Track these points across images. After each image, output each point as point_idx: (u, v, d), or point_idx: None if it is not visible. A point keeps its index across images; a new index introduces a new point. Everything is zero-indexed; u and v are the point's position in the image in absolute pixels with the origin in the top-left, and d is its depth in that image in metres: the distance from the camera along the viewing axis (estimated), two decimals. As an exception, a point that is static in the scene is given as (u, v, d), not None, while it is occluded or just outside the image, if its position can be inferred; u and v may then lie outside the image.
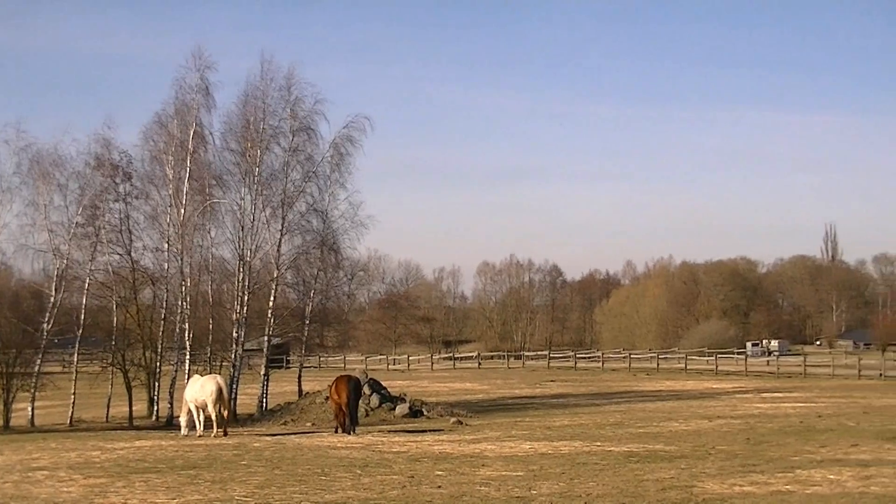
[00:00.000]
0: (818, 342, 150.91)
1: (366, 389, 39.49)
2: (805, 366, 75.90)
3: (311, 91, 46.38)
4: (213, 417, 28.42)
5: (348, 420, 29.48)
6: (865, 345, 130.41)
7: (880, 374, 68.95)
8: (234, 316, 44.91)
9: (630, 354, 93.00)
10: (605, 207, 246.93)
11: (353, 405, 29.87)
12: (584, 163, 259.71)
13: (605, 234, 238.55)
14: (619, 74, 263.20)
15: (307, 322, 48.16)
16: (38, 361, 43.59)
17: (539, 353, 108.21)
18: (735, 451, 21.46)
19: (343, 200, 47.60)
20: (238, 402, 44.57)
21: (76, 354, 45.57)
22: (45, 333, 43.31)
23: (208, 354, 47.00)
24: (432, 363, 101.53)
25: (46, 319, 43.28)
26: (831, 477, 16.62)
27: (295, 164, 46.30)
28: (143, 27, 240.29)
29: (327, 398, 35.66)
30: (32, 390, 43.01)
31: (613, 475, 17.60)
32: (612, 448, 22.68)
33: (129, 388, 46.04)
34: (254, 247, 45.31)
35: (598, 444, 23.93)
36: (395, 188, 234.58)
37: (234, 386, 43.51)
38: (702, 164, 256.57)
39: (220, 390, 28.46)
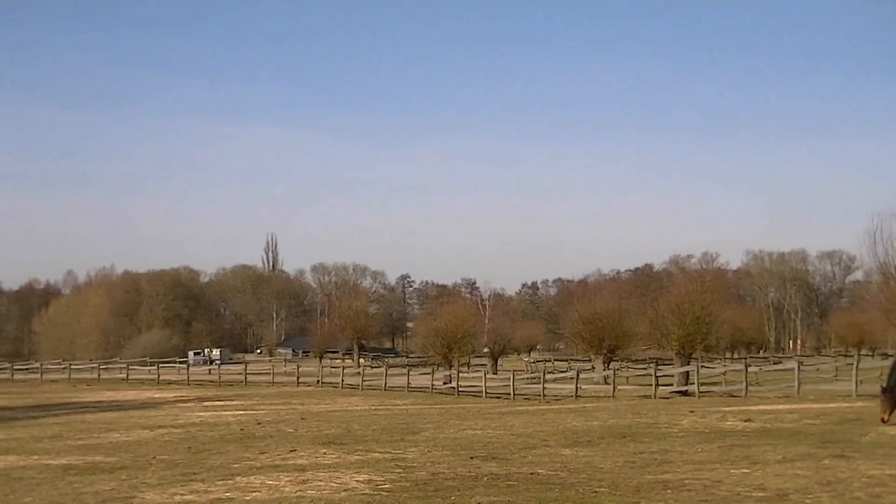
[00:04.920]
0: (259, 350, 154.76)
1: None
2: (246, 374, 77.17)
3: None
4: None
5: None
6: (304, 352, 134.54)
7: (318, 381, 71.51)
8: None
9: (70, 365, 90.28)
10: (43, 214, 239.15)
11: None
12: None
13: (43, 242, 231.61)
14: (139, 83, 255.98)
15: None
16: None
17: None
18: (176, 460, 21.59)
19: None
20: None
21: None
22: None
23: None
24: None
25: None
26: (270, 482, 17.16)
27: None
28: None
29: None
30: None
31: (51, 489, 17.23)
32: (49, 461, 22.14)
33: None
34: None
35: (36, 457, 23.27)
36: None
37: None
38: (133, 170, 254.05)
39: None
